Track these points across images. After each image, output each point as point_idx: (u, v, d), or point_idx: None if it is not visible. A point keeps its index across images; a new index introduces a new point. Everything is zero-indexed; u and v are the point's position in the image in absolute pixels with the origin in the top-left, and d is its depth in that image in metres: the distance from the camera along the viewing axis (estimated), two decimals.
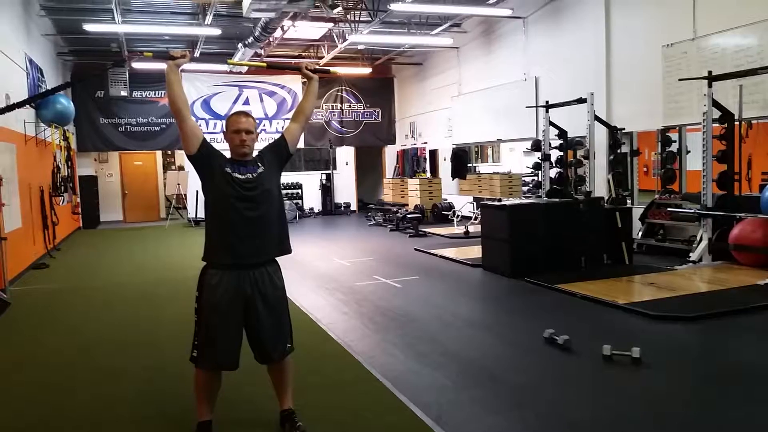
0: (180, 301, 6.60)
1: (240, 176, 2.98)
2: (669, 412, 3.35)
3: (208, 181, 3.03)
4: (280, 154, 3.21)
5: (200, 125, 16.31)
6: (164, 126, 15.88)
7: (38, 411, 3.65)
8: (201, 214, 15.52)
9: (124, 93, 14.99)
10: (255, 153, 3.15)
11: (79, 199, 14.81)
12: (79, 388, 4.03)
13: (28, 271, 8.62)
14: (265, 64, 4.14)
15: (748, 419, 3.26)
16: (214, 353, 3.01)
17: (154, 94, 15.72)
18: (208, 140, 3.11)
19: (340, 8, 9.95)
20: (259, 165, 3.07)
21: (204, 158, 3.03)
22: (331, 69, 4.01)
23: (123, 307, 6.42)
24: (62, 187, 11.53)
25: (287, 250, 3.15)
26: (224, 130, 3.12)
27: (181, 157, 17.26)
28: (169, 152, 17.83)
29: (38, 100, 9.75)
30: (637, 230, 8.79)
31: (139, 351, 4.81)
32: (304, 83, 3.37)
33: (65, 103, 11.01)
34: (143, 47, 13.98)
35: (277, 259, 3.14)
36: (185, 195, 15.67)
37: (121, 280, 8.03)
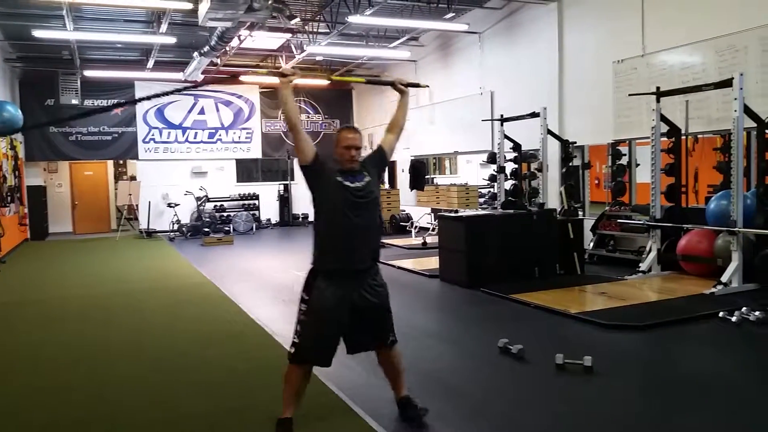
0: (130, 315, 6.45)
1: (351, 185, 3.16)
2: (620, 420, 3.42)
3: (319, 190, 3.19)
4: (380, 164, 3.43)
5: (153, 135, 16.13)
6: (116, 135, 15.55)
7: None
8: (153, 225, 15.27)
9: (75, 101, 14.59)
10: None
11: (26, 210, 14.32)
12: (24, 406, 3.88)
13: None
14: (363, 80, 4.55)
15: (695, 426, 3.36)
16: (316, 352, 3.21)
17: (107, 103, 15.33)
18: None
19: (297, 19, 9.94)
20: (366, 174, 3.23)
21: (318, 168, 3.20)
22: (421, 84, 4.22)
23: (71, 322, 6.22)
24: (9, 198, 11.18)
25: (379, 257, 3.34)
26: (335, 144, 3.26)
27: (133, 166, 16.86)
28: (121, 162, 17.43)
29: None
30: (589, 241, 8.98)
31: (89, 366, 4.67)
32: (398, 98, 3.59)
33: (12, 111, 10.61)
34: (96, 55, 13.68)
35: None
36: (137, 206, 15.31)
37: (69, 294, 7.77)
